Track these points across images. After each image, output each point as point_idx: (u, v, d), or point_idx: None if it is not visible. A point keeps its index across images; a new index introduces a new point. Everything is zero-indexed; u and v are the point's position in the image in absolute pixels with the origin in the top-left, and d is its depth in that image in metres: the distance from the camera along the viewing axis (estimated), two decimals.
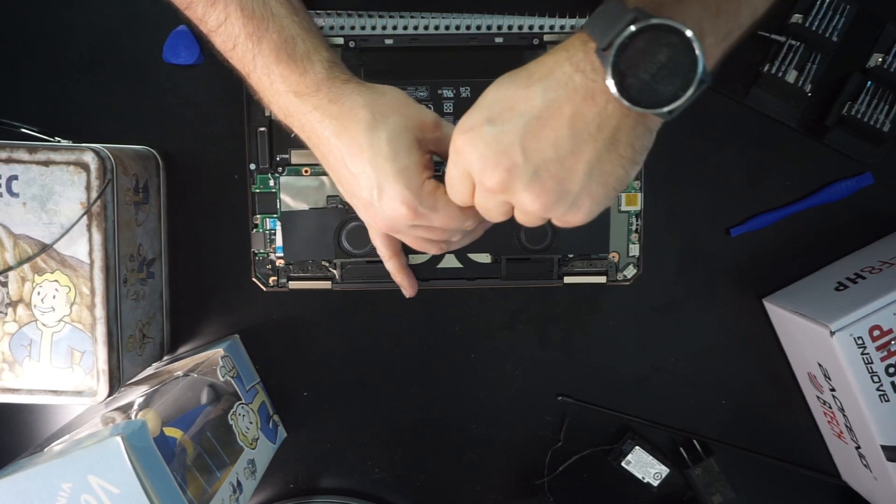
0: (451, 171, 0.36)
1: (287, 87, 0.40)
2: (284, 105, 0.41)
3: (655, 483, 0.54)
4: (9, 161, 0.43)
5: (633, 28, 0.29)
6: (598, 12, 0.31)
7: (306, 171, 0.50)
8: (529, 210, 0.34)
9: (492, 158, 0.33)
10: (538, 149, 0.32)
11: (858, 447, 0.49)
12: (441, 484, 0.56)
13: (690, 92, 0.30)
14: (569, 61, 0.32)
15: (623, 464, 0.54)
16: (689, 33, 0.29)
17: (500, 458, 0.56)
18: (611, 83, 0.30)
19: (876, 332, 0.44)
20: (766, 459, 0.55)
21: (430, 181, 0.38)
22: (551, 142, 0.32)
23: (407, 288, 0.50)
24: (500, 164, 0.33)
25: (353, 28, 0.49)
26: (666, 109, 0.30)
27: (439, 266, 0.51)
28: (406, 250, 0.49)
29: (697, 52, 0.29)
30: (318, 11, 0.49)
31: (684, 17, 0.30)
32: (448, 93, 0.49)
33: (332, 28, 0.49)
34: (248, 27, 0.39)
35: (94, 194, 0.43)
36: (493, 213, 0.37)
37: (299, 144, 0.49)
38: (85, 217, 0.43)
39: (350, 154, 0.38)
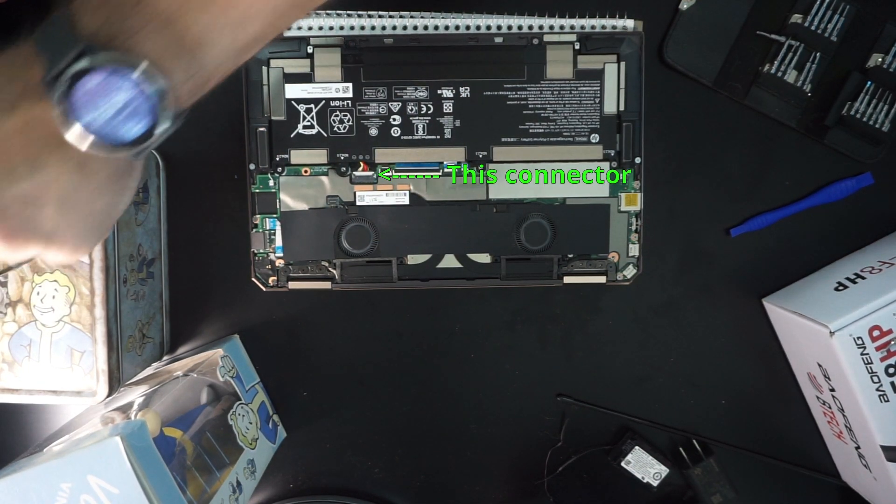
0: None
1: None
2: None
3: (655, 483, 0.54)
4: None
5: (84, 63, 0.26)
6: (43, 31, 0.26)
7: (306, 171, 0.50)
8: None
9: None
10: None
11: (858, 447, 0.49)
12: (441, 484, 0.56)
13: (155, 135, 0.27)
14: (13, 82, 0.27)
15: (623, 464, 0.54)
16: (143, 67, 0.26)
17: (500, 458, 0.56)
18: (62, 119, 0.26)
19: (875, 332, 0.44)
20: (766, 459, 0.55)
21: None
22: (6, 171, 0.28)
23: None
24: None
25: (352, 28, 0.49)
26: (128, 153, 0.27)
27: (439, 266, 0.51)
28: (405, 250, 0.49)
29: (157, 87, 0.27)
30: (317, 11, 0.49)
31: (142, 51, 0.26)
32: (448, 93, 0.48)
33: (331, 28, 0.49)
34: None
35: None
36: None
37: (299, 144, 0.50)
38: None
39: None
